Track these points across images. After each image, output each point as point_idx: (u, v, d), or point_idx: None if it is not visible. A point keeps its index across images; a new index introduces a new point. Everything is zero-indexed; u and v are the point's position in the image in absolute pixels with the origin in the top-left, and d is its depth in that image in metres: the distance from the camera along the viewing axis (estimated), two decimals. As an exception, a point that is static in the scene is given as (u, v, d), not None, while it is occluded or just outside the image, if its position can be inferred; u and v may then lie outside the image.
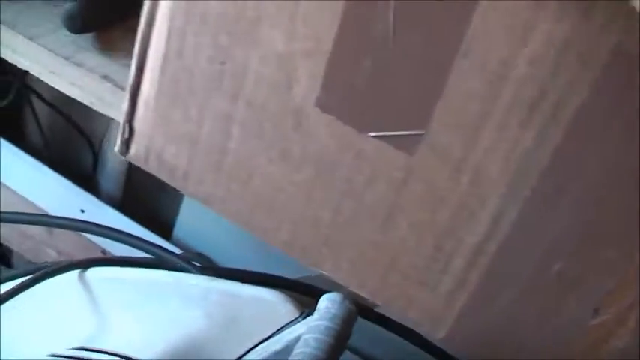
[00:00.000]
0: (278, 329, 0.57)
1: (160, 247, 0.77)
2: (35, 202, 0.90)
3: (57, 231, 0.90)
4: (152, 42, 0.44)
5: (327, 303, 0.52)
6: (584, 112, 0.35)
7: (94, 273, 0.62)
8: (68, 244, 0.89)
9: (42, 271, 0.63)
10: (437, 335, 0.42)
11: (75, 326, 0.63)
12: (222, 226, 0.83)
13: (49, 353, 0.62)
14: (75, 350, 0.61)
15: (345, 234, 0.42)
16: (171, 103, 0.44)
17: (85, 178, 0.92)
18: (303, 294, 0.59)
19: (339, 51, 0.39)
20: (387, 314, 0.48)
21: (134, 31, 0.59)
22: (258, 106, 0.42)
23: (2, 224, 0.94)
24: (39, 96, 0.93)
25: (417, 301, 0.42)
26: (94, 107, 0.55)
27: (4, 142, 0.92)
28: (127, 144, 0.46)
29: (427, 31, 0.37)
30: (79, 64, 0.55)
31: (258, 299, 0.58)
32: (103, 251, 0.88)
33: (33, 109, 0.95)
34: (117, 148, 0.47)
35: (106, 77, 0.54)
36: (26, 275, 0.64)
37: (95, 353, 0.61)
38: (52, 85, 0.56)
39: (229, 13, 0.41)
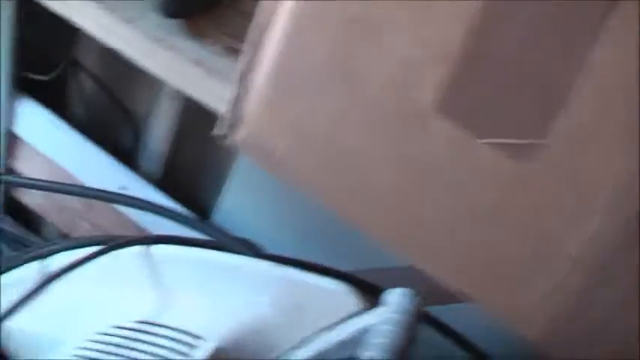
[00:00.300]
0: (342, 320, 0.59)
1: (219, 230, 0.78)
2: (76, 175, 0.91)
3: (96, 206, 0.91)
4: (270, 32, 0.45)
5: (397, 297, 0.54)
6: None
7: (160, 250, 0.63)
8: (105, 219, 0.90)
9: (111, 244, 0.64)
10: (528, 336, 0.44)
11: (136, 301, 0.64)
12: (263, 215, 0.85)
13: (112, 325, 0.63)
14: (137, 323, 0.63)
15: (448, 234, 0.44)
16: (284, 93, 0.45)
17: (125, 156, 0.93)
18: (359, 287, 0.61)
19: (466, 57, 0.41)
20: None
21: (220, 19, 0.61)
22: (376, 106, 0.43)
23: (40, 195, 0.95)
24: (86, 71, 0.94)
25: (512, 300, 0.44)
26: (184, 90, 0.56)
27: (49, 115, 0.93)
28: (231, 129, 0.47)
29: (554, 45, 0.39)
30: (170, 48, 0.56)
31: (323, 289, 0.60)
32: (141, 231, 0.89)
33: (79, 84, 0.95)
34: (219, 133, 0.47)
35: (197, 62, 0.55)
36: (82, 247, 0.66)
37: (157, 327, 0.62)
38: (144, 67, 0.57)
39: (354, 13, 0.42)
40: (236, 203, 0.88)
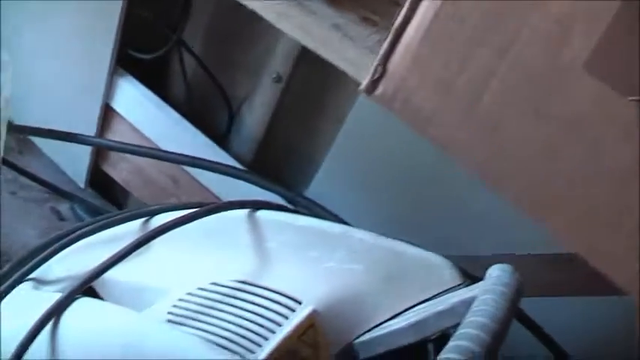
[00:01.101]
0: (443, 291, 0.60)
1: (315, 202, 0.80)
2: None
3: (182, 181, 0.93)
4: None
5: (498, 272, 0.55)
6: None
7: (264, 214, 0.65)
8: (191, 195, 0.91)
9: (219, 204, 0.66)
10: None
11: (237, 262, 0.65)
12: (351, 203, 0.86)
13: (211, 282, 0.65)
14: (237, 282, 0.64)
15: (578, 194, 0.45)
16: (433, 49, 0.47)
17: (219, 139, 0.95)
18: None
19: (619, 19, 0.42)
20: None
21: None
22: (524, 63, 0.45)
23: (127, 169, 0.97)
24: (191, 52, 0.96)
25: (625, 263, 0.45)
26: (318, 52, 0.58)
27: (149, 93, 0.95)
28: (374, 84, 0.49)
29: None
30: (310, 11, 0.58)
31: (424, 261, 0.60)
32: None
33: (182, 64, 0.98)
34: (362, 87, 0.49)
35: (335, 26, 0.57)
36: (185, 209, 0.67)
37: (256, 288, 0.63)
38: (280, 28, 0.59)
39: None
40: (324, 192, 0.89)
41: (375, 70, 0.49)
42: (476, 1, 0.46)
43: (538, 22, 0.44)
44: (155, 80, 0.97)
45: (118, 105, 0.96)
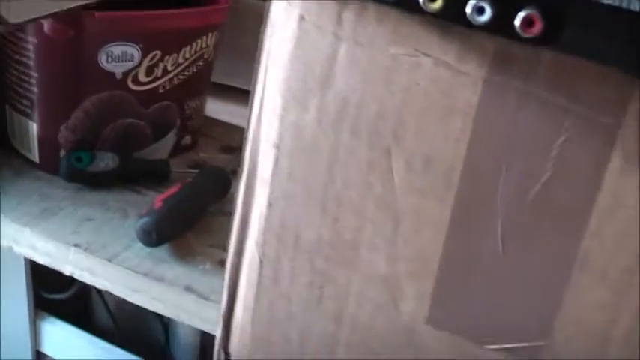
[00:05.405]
0: None
1: None
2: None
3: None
4: (243, 270, 0.44)
5: None
6: None
7: None
8: None
9: None
10: None
11: None
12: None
13: None
14: None
15: None
16: (268, 327, 0.43)
17: (158, 354, 0.91)
18: None
19: (446, 269, 0.38)
20: None
21: (206, 231, 0.59)
22: (364, 326, 0.41)
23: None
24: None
25: None
26: (180, 319, 0.54)
27: (75, 330, 0.92)
28: (225, 364, 0.45)
29: (538, 245, 0.36)
30: (159, 279, 0.54)
31: None
32: None
33: (100, 293, 0.95)
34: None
35: (188, 288, 0.53)
36: None
37: None
38: (136, 303, 0.55)
39: (325, 237, 0.41)
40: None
41: (219, 356, 0.45)
42: (294, 274, 0.42)
43: (363, 284, 0.40)
44: (80, 313, 0.94)
45: (48, 349, 0.93)
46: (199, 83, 0.69)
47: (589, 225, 0.35)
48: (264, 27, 0.39)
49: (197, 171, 0.64)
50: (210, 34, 0.66)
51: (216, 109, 0.76)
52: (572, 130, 0.34)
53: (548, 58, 0.33)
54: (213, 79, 0.72)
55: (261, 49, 0.40)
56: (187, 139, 0.72)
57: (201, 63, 0.67)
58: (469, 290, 0.38)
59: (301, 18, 0.38)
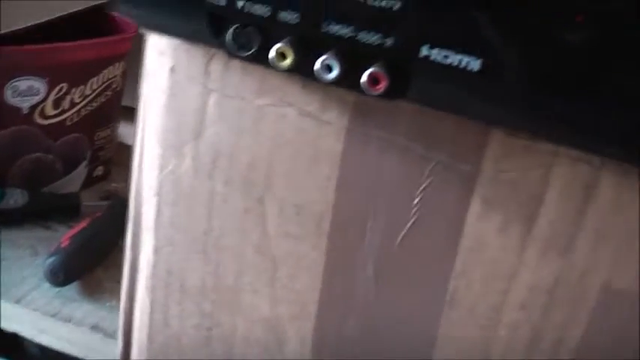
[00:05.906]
0: None
1: None
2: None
3: None
4: (136, 314, 0.44)
5: None
6: (583, 352, 0.34)
7: None
8: None
9: None
10: None
11: None
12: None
13: None
14: None
15: None
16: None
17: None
18: None
19: (324, 311, 0.39)
20: None
21: (116, 266, 0.59)
22: (252, 370, 0.41)
23: None
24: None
25: None
26: (89, 359, 0.54)
27: None
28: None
29: (410, 285, 0.37)
30: (66, 319, 0.54)
31: None
32: None
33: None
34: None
35: (95, 327, 0.53)
36: None
37: None
38: (42, 343, 0.55)
39: (208, 283, 0.41)
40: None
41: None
42: (182, 317, 0.42)
43: (247, 327, 0.41)
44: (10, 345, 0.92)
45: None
46: (109, 113, 0.69)
47: (455, 266, 0.36)
48: (142, 76, 0.40)
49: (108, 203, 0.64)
50: (117, 64, 0.66)
51: (130, 132, 0.76)
52: (434, 177, 0.35)
53: (409, 106, 0.34)
54: (125, 103, 0.71)
55: (139, 98, 0.40)
56: (99, 170, 0.71)
57: (109, 93, 0.67)
58: (347, 331, 0.39)
59: (172, 69, 0.38)
